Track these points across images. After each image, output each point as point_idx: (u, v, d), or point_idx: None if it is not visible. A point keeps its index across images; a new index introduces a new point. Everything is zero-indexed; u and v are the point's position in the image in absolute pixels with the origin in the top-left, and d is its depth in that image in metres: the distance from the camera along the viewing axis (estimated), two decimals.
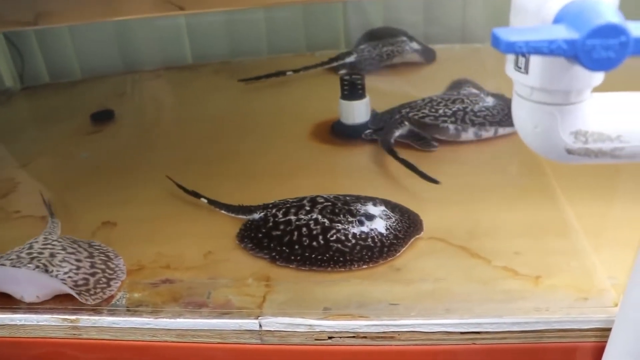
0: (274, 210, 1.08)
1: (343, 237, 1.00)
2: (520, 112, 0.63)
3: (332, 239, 1.01)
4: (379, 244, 1.00)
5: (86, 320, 0.97)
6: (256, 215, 1.10)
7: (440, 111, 1.37)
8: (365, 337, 0.90)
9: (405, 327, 0.89)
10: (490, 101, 1.42)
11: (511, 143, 1.35)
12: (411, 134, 1.37)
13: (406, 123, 1.37)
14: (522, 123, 0.63)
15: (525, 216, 1.09)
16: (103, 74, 2.06)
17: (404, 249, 1.02)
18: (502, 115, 1.38)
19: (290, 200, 1.10)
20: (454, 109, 1.38)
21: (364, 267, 0.99)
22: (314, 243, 1.01)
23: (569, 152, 0.62)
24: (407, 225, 1.04)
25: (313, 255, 1.00)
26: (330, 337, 0.91)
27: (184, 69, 2.05)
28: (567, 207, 1.11)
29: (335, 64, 1.85)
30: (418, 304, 0.92)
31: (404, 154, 1.28)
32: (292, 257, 1.02)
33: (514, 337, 0.89)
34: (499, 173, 1.25)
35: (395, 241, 1.01)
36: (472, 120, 1.35)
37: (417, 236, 1.04)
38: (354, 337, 0.90)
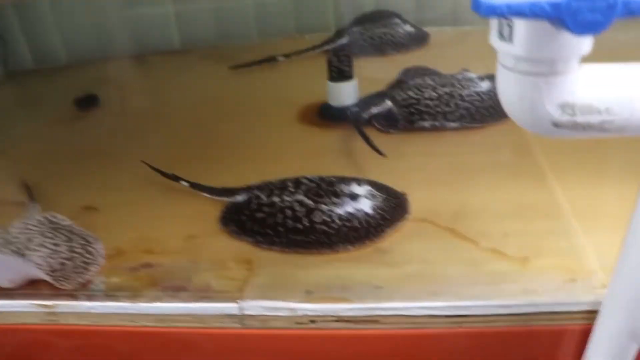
0: (257, 192, 1.06)
1: (328, 219, 0.98)
2: (505, 84, 0.60)
3: (317, 220, 0.98)
4: (365, 225, 0.98)
5: (63, 305, 0.94)
6: (239, 198, 1.08)
7: (426, 94, 1.34)
8: (348, 321, 0.88)
9: (389, 310, 0.87)
10: (484, 86, 1.37)
11: (498, 124, 1.32)
12: (389, 114, 1.34)
13: (387, 102, 1.34)
14: (507, 95, 0.61)
15: (514, 197, 1.07)
16: (89, 60, 2.02)
17: (391, 229, 1.00)
18: (492, 102, 1.34)
19: (274, 182, 1.07)
20: (440, 93, 1.34)
21: (351, 248, 0.97)
22: (299, 225, 0.98)
23: (556, 125, 0.59)
24: (394, 205, 1.01)
25: (298, 238, 0.98)
26: (312, 321, 0.88)
27: (172, 54, 2.01)
28: (556, 188, 1.08)
29: (327, 47, 1.82)
30: (403, 287, 0.90)
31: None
32: (276, 240, 0.99)
33: (502, 321, 0.87)
34: (486, 154, 1.23)
35: (382, 222, 0.99)
36: (457, 105, 1.32)
37: (404, 217, 1.02)
38: (337, 321, 0.88)
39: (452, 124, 1.32)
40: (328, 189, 1.01)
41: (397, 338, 0.89)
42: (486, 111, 1.33)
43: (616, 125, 0.59)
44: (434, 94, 1.34)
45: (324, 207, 0.99)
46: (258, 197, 1.04)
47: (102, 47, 2.03)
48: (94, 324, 0.95)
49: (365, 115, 1.33)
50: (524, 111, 0.60)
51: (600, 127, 0.59)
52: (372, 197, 1.01)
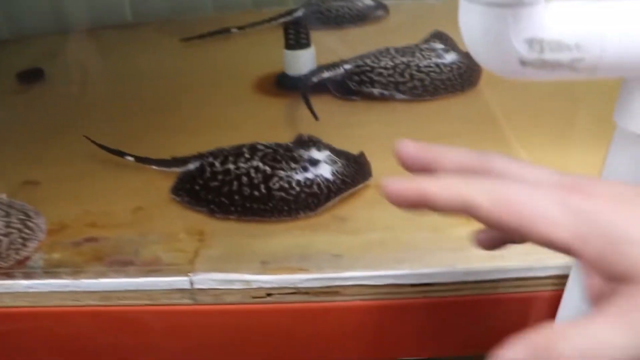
0: (210, 160, 0.99)
1: (286, 185, 0.92)
2: (468, 18, 0.55)
3: (274, 187, 0.92)
4: (325, 191, 0.93)
5: None
6: (191, 166, 1.01)
7: (382, 63, 1.30)
8: (307, 293, 0.83)
9: (350, 280, 0.82)
10: (448, 58, 1.33)
11: (454, 97, 1.29)
12: (343, 79, 1.30)
13: (341, 68, 1.29)
14: (470, 32, 0.56)
15: None
16: (35, 35, 1.91)
17: (352, 196, 0.96)
18: (452, 74, 1.30)
19: (228, 148, 1.01)
20: (396, 62, 1.30)
21: (311, 215, 0.92)
22: (255, 192, 0.93)
23: (523, 63, 0.54)
24: (354, 170, 0.97)
25: (255, 206, 0.92)
26: (269, 295, 0.83)
27: (123, 28, 1.92)
28: (521, 153, 1.05)
29: (282, 19, 1.75)
30: (365, 255, 0.85)
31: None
32: (232, 208, 0.93)
33: (469, 288, 0.83)
34: (446, 123, 1.19)
35: (342, 187, 0.94)
36: (412, 76, 1.28)
37: (366, 182, 0.98)
38: (294, 293, 0.82)
39: (402, 95, 1.28)
40: (285, 154, 0.96)
41: (359, 310, 0.85)
42: (442, 83, 1.29)
43: (587, 64, 0.55)
44: (391, 62, 1.30)
45: (281, 172, 0.93)
46: (212, 164, 0.98)
47: (49, 22, 1.93)
48: (33, 305, 0.87)
49: (315, 79, 1.28)
50: (488, 48, 0.55)
51: (570, 66, 0.55)
52: (332, 162, 0.95)
